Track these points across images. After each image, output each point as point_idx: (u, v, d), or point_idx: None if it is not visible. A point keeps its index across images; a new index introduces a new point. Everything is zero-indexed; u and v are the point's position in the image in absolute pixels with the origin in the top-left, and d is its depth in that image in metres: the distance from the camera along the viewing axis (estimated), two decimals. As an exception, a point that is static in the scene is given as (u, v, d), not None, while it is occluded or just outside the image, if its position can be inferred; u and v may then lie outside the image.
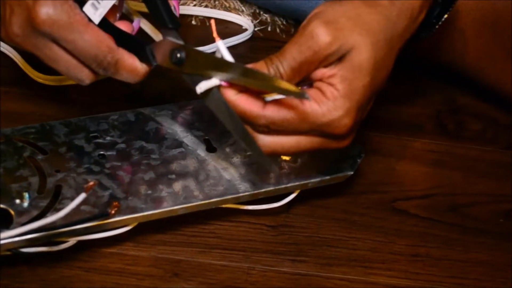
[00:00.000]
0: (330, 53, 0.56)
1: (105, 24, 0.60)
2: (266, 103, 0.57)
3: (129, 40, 0.61)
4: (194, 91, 0.58)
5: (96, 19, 0.60)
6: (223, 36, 0.86)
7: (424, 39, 0.65)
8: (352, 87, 0.57)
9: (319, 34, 0.56)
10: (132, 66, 0.61)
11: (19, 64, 0.79)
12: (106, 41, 0.59)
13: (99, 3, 0.60)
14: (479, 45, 0.79)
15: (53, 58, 0.61)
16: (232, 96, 0.57)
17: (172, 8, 0.61)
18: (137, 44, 0.61)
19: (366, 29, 0.57)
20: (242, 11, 0.91)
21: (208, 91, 0.57)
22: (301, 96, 0.54)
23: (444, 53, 0.81)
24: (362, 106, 0.58)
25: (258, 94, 0.57)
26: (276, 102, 0.57)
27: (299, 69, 0.56)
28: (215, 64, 0.57)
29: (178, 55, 0.59)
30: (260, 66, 0.56)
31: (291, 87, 0.54)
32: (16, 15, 0.59)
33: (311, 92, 0.57)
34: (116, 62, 0.60)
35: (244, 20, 0.90)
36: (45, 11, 0.58)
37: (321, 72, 0.57)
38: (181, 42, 0.59)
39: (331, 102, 0.56)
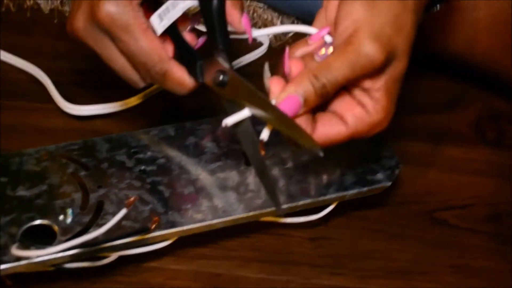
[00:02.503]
0: (380, 67, 0.56)
1: (171, 30, 0.61)
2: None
3: (186, 51, 0.61)
4: (229, 114, 0.58)
5: (159, 29, 0.60)
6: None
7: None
8: (392, 97, 0.58)
9: (373, 53, 0.55)
10: (180, 79, 0.61)
11: (53, 97, 0.79)
12: (158, 50, 0.60)
13: (165, 14, 0.60)
14: (494, 38, 0.79)
15: (110, 57, 0.62)
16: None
17: (243, 27, 0.61)
18: (192, 56, 0.61)
19: (405, 33, 0.57)
20: (282, 22, 0.91)
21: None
22: (316, 152, 0.55)
23: (459, 47, 0.81)
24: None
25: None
26: (325, 129, 0.58)
27: (345, 84, 0.56)
28: (250, 96, 0.57)
29: (221, 77, 0.59)
30: (302, 81, 0.56)
31: (313, 142, 0.55)
32: (81, 9, 0.60)
33: (353, 107, 0.58)
34: (165, 73, 0.60)
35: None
36: (108, 8, 0.59)
37: (364, 83, 0.57)
38: (227, 65, 0.59)
39: (373, 117, 0.57)
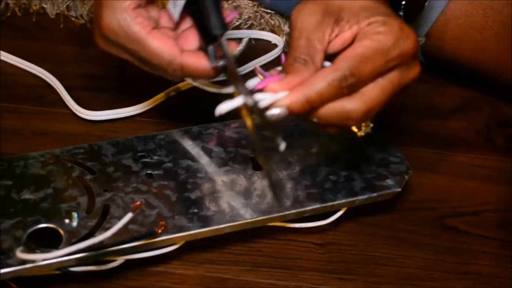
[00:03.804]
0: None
1: (192, 11, 0.60)
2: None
3: (205, 33, 0.60)
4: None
5: (176, 15, 0.60)
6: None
7: None
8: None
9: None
10: (199, 68, 0.59)
11: (66, 102, 0.79)
12: (167, 48, 0.59)
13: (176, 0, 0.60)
14: (502, 45, 0.79)
15: (135, 63, 0.62)
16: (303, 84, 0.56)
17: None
18: (210, 38, 0.59)
19: None
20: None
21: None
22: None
23: (467, 54, 0.81)
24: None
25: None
26: (345, 52, 0.56)
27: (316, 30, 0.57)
28: (237, 84, 0.57)
29: (221, 62, 0.58)
30: (294, 75, 0.56)
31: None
32: (95, 27, 0.61)
33: (367, 31, 0.57)
34: (182, 67, 0.59)
35: (276, 38, 0.90)
36: (107, 23, 0.59)
37: (355, 28, 0.57)
38: (226, 49, 0.58)
39: (388, 26, 0.56)
